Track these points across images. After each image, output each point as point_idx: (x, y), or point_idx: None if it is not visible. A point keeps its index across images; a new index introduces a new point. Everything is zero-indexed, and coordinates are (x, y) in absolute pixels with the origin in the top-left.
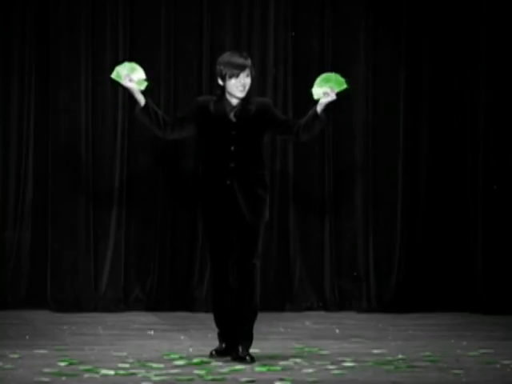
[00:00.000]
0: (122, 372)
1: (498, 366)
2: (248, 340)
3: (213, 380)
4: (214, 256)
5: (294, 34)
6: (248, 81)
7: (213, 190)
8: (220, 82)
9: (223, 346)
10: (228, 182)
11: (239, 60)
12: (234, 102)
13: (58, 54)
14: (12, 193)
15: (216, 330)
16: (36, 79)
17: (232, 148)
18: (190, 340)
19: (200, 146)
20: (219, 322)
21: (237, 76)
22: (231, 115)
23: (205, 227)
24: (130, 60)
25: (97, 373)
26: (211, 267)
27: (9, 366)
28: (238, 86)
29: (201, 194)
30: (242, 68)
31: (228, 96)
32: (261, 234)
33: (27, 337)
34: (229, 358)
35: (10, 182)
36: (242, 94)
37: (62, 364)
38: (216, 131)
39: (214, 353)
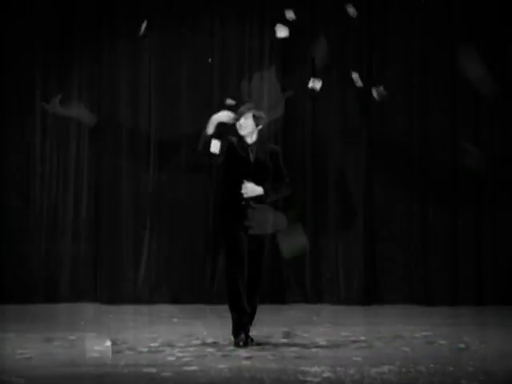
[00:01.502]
0: (153, 349)
1: (436, 344)
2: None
3: (222, 356)
4: (234, 261)
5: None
6: (247, 122)
7: (232, 210)
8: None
9: (243, 337)
10: (243, 203)
11: (240, 110)
12: (249, 140)
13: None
14: (70, 206)
15: (228, 320)
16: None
17: (248, 178)
18: (204, 326)
19: (220, 174)
20: (238, 307)
21: (238, 120)
22: (250, 155)
23: (227, 241)
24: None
25: (134, 350)
26: (231, 268)
27: (67, 345)
28: (238, 127)
29: (222, 215)
30: (240, 114)
31: (243, 137)
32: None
33: (82, 322)
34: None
35: (68, 195)
36: (243, 132)
37: (109, 344)
38: (238, 164)
39: (241, 343)
